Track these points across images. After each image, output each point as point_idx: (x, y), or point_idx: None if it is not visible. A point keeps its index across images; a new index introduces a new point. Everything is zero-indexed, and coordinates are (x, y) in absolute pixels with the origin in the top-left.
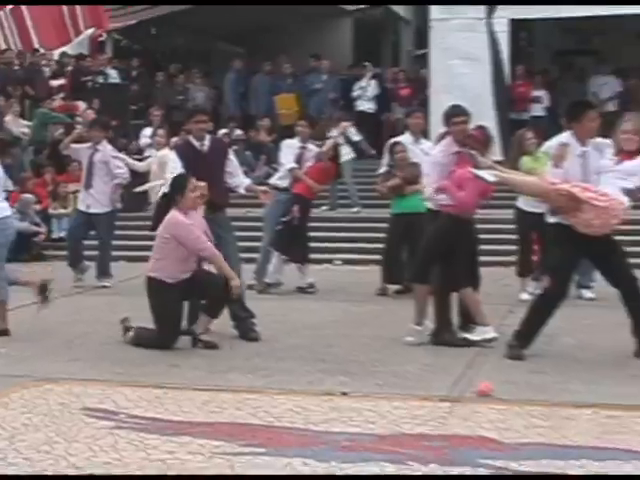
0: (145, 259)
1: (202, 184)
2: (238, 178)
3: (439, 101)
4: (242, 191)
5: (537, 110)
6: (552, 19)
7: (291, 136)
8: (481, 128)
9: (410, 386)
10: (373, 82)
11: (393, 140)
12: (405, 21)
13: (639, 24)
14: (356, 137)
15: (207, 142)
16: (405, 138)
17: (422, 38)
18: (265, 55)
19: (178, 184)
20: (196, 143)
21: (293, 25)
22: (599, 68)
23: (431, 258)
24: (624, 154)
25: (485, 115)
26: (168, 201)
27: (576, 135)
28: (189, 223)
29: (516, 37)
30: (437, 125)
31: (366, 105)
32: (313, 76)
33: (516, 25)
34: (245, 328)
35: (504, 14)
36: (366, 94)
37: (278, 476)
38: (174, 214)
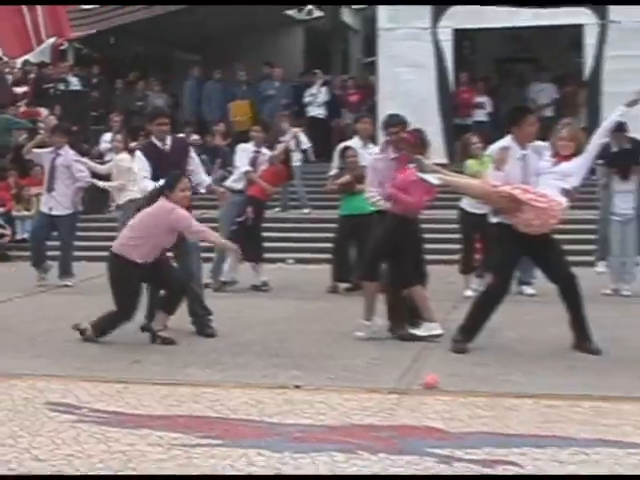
0: (106, 259)
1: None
2: (200, 176)
3: (386, 107)
4: (203, 190)
5: (480, 115)
6: (493, 29)
7: (246, 140)
8: (416, 131)
9: (360, 379)
10: (323, 89)
11: (343, 144)
12: (354, 30)
13: (575, 34)
14: (305, 145)
15: (169, 142)
16: (354, 142)
17: (370, 46)
18: (220, 63)
19: (171, 180)
20: (158, 143)
21: (247, 34)
22: (538, 75)
23: (379, 257)
24: (560, 156)
25: (430, 120)
26: (158, 194)
27: (516, 139)
28: (189, 215)
29: (459, 46)
30: None
31: (316, 111)
32: (266, 83)
33: (459, 35)
34: (202, 325)
35: (448, 24)
36: (317, 100)
37: (278, 476)
38: (171, 206)
